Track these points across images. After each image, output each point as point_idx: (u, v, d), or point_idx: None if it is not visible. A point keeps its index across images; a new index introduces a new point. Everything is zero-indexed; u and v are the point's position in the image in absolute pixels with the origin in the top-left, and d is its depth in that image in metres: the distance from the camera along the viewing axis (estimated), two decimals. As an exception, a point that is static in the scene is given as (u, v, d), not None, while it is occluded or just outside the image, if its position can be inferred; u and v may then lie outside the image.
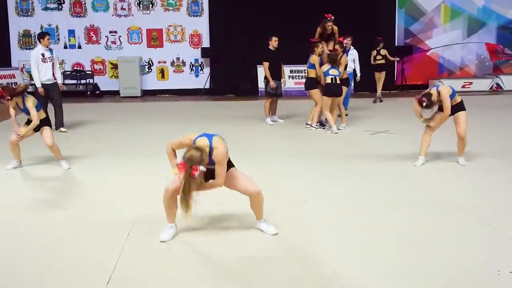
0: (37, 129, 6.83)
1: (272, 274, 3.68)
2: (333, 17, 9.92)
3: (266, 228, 4.44)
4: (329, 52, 9.55)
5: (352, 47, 11.34)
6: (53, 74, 9.69)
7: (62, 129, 9.78)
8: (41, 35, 9.76)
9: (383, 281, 3.57)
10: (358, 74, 11.61)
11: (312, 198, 5.46)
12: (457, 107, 6.67)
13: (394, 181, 6.17)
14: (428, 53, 16.77)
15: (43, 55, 9.59)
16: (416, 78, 16.58)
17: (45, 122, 6.94)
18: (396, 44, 16.65)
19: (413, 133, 8.16)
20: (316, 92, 9.69)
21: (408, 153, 7.28)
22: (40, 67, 9.54)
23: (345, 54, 10.28)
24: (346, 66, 9.98)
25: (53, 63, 9.70)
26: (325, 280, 3.60)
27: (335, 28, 10.03)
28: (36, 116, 6.70)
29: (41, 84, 9.54)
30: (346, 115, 10.29)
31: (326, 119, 9.71)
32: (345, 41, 10.32)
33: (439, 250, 4.08)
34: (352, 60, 11.21)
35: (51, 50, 9.76)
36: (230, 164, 4.32)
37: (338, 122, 9.84)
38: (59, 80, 9.98)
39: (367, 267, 3.79)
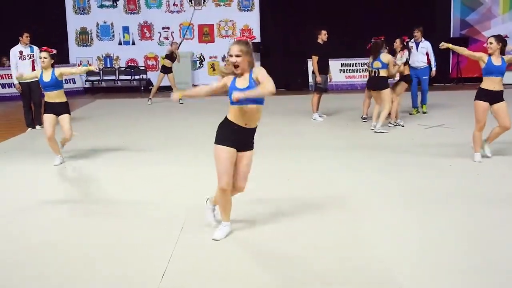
0: (56, 112, 6.80)
1: (323, 267, 3.66)
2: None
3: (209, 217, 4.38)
4: (373, 41, 8.92)
5: (423, 39, 10.40)
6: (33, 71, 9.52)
7: (39, 127, 9.66)
8: (20, 33, 9.69)
9: (435, 275, 3.50)
10: (434, 68, 10.61)
11: (363, 192, 5.39)
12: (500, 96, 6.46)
13: (449, 176, 6.02)
14: (485, 45, 16.17)
15: (20, 52, 9.60)
16: (472, 71, 16.01)
17: (65, 107, 6.87)
18: (451, 36, 16.19)
19: (469, 127, 7.92)
20: (387, 92, 8.83)
21: (464, 147, 7.08)
22: (18, 64, 9.53)
23: (415, 47, 9.95)
24: (407, 61, 9.34)
25: (33, 60, 9.60)
26: (377, 274, 3.56)
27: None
28: (76, 69, 7.43)
29: (19, 82, 9.49)
30: (425, 112, 10.02)
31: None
32: (414, 33, 10.01)
33: (500, 245, 3.97)
34: (424, 53, 10.35)
35: (31, 48, 9.62)
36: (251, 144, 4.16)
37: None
38: None
39: (419, 261, 3.72)
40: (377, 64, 8.81)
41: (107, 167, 6.84)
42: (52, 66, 6.84)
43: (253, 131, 4.12)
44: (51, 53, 6.84)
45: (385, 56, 8.79)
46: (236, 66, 3.93)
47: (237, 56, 3.91)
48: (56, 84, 6.75)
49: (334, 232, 4.31)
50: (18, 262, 3.91)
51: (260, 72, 3.93)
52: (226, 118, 4.08)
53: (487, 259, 3.76)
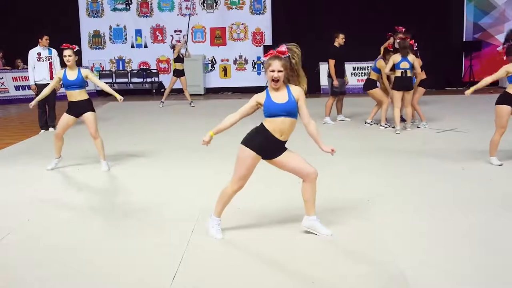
0: (79, 112, 6.63)
1: (336, 274, 3.65)
2: (403, 29, 9.53)
3: (319, 228, 4.24)
4: (399, 41, 8.96)
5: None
6: (51, 74, 9.63)
7: (52, 129, 9.67)
8: (40, 35, 9.76)
9: (451, 283, 3.48)
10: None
11: (376, 197, 5.37)
12: None
13: (462, 181, 5.97)
14: (498, 49, 16.08)
15: (39, 54, 9.67)
16: (485, 75, 15.79)
17: (89, 104, 6.68)
18: (464, 40, 16.12)
19: (482, 131, 7.88)
20: (376, 92, 9.52)
21: (477, 152, 7.03)
22: (36, 66, 9.62)
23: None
24: (421, 67, 9.29)
25: (50, 62, 9.68)
26: (392, 281, 3.54)
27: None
28: (101, 84, 7.11)
29: (36, 83, 9.58)
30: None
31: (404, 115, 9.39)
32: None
33: (509, 253, 3.94)
34: None
35: (49, 50, 9.73)
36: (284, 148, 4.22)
37: (417, 120, 9.66)
38: None
39: (434, 268, 3.70)
40: (404, 64, 8.75)
41: (119, 169, 6.87)
42: (77, 64, 6.71)
43: (284, 143, 4.17)
44: (74, 50, 6.66)
45: (411, 56, 8.77)
46: (276, 81, 4.00)
47: (279, 71, 4.01)
48: (81, 83, 6.60)
49: (345, 236, 4.30)
50: (32, 263, 3.95)
51: (301, 95, 4.11)
52: (262, 125, 4.12)
53: (502, 265, 3.74)
